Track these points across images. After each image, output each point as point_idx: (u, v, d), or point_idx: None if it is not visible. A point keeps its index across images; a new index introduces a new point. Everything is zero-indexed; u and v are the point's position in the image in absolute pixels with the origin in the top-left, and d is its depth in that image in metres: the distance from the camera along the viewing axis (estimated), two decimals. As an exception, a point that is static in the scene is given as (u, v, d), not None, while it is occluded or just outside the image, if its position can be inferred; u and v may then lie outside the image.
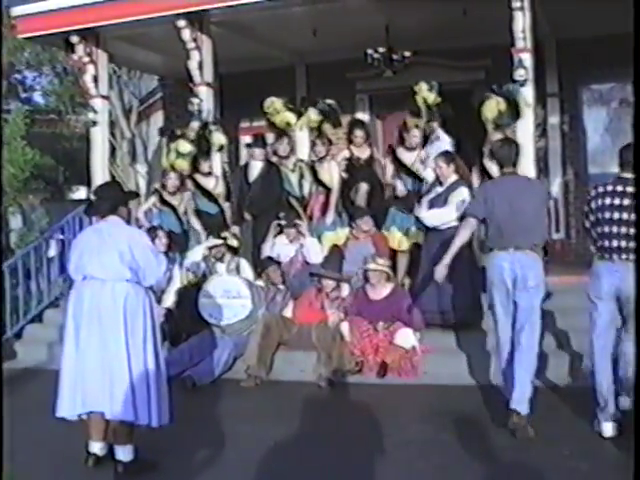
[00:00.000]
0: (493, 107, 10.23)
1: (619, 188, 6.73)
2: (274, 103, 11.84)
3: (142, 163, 20.02)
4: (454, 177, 9.67)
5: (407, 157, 10.93)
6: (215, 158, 12.14)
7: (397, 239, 10.74)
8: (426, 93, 10.78)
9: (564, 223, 13.62)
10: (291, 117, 11.79)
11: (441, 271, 7.68)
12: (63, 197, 22.43)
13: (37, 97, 26.83)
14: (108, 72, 13.94)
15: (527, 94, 10.47)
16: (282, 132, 11.76)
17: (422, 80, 10.85)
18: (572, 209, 13.68)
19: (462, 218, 8.30)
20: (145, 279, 6.32)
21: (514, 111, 10.34)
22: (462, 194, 9.41)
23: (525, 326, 7.17)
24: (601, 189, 6.91)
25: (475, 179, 10.41)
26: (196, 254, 10.84)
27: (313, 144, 11.63)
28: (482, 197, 7.44)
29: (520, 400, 6.97)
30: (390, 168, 11.18)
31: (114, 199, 6.53)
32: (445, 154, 9.89)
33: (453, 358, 9.07)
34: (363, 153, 11.55)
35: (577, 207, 13.63)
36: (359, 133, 11.49)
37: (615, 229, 6.67)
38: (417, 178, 10.81)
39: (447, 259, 7.62)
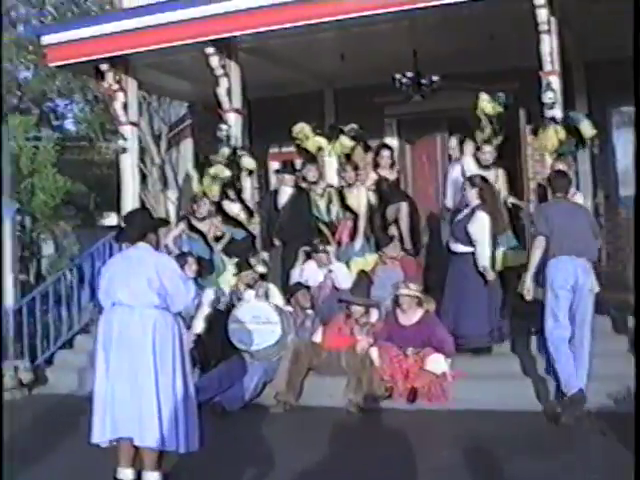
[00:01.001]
0: (552, 136, 10.17)
1: None
2: (304, 129, 11.89)
3: (173, 189, 20.05)
4: (476, 202, 9.70)
5: (486, 176, 10.60)
6: (245, 184, 12.17)
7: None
8: (484, 104, 10.70)
9: (595, 246, 13.48)
10: (323, 142, 11.84)
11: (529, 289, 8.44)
12: (94, 223, 22.51)
13: (68, 124, 27.06)
14: (138, 99, 14.03)
15: (587, 124, 10.37)
16: (311, 158, 11.81)
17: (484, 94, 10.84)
18: (603, 232, 13.52)
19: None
20: (174, 305, 6.34)
21: (576, 139, 10.30)
22: (480, 220, 9.56)
23: (582, 325, 8.26)
24: None
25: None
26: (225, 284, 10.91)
27: (342, 169, 11.69)
28: (544, 217, 8.42)
29: (581, 381, 8.16)
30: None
31: (143, 226, 6.56)
32: (472, 177, 9.95)
33: (483, 384, 8.99)
34: (390, 175, 11.61)
35: (608, 230, 13.51)
36: (386, 153, 11.62)
37: None
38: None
39: (529, 279, 8.42)
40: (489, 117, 10.71)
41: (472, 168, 10.81)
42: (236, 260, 11.14)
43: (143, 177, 18.72)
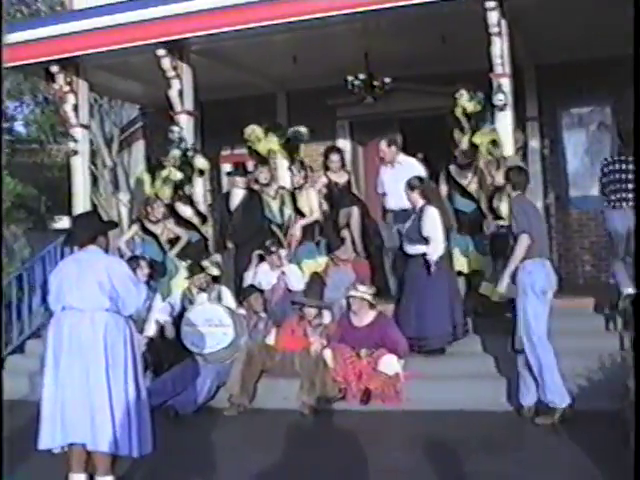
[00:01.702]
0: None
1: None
2: (255, 131, 11.86)
3: (124, 192, 19.96)
4: (421, 202, 9.69)
5: (461, 176, 10.66)
6: (197, 185, 12.12)
7: (460, 261, 10.41)
8: (465, 102, 10.59)
9: (546, 247, 13.60)
10: (274, 144, 11.81)
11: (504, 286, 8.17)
12: (46, 227, 22.31)
13: (18, 127, 26.81)
14: (89, 101, 13.91)
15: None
16: (263, 159, 11.78)
17: (462, 88, 10.70)
18: (554, 232, 13.66)
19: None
20: (125, 308, 6.28)
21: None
22: (431, 215, 9.52)
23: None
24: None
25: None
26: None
27: (291, 173, 11.69)
28: (523, 212, 8.11)
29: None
30: (444, 189, 10.82)
31: (93, 229, 6.50)
32: (410, 181, 9.88)
33: (436, 384, 9.03)
34: (341, 178, 11.61)
35: (559, 231, 13.65)
36: (335, 158, 11.58)
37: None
38: (473, 198, 10.57)
39: (508, 278, 8.08)
40: (468, 116, 10.63)
41: (417, 169, 10.87)
42: (189, 263, 11.09)
43: (95, 180, 18.62)
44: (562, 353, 8.30)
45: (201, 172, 12.01)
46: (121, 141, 20.15)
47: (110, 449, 6.11)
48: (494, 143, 10.35)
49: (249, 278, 11.02)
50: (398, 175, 10.77)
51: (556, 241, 13.61)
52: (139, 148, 18.00)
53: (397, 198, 10.75)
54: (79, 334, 6.09)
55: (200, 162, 11.87)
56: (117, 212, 19.67)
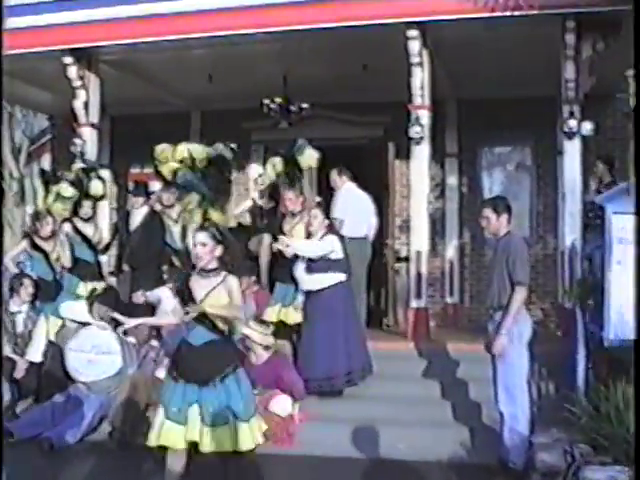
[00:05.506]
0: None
1: None
2: (164, 151, 11.21)
3: (31, 205, 19.36)
4: (322, 231, 9.36)
5: None
6: (100, 204, 11.45)
7: None
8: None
9: (458, 287, 13.33)
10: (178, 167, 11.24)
11: (501, 344, 7.20)
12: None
13: None
14: (-5, 109, 13.29)
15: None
16: (166, 181, 11.18)
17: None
18: (467, 273, 13.41)
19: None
20: None
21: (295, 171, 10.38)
22: (331, 243, 9.24)
23: None
24: None
25: None
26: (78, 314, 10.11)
27: None
28: (527, 258, 7.40)
29: None
30: None
31: None
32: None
33: (332, 427, 8.60)
34: (268, 203, 11.18)
35: (473, 271, 13.40)
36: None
37: None
38: None
39: (505, 330, 7.19)
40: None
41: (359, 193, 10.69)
42: (88, 284, 10.46)
43: (2, 191, 17.97)
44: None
45: (101, 197, 11.23)
46: (30, 152, 19.56)
47: None
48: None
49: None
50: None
51: (469, 282, 13.36)
52: (47, 161, 17.41)
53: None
54: None
55: (95, 186, 11.08)
56: (22, 224, 19.02)
